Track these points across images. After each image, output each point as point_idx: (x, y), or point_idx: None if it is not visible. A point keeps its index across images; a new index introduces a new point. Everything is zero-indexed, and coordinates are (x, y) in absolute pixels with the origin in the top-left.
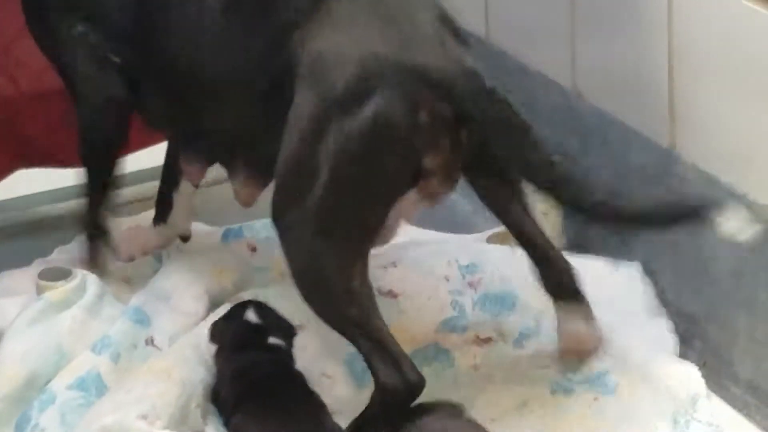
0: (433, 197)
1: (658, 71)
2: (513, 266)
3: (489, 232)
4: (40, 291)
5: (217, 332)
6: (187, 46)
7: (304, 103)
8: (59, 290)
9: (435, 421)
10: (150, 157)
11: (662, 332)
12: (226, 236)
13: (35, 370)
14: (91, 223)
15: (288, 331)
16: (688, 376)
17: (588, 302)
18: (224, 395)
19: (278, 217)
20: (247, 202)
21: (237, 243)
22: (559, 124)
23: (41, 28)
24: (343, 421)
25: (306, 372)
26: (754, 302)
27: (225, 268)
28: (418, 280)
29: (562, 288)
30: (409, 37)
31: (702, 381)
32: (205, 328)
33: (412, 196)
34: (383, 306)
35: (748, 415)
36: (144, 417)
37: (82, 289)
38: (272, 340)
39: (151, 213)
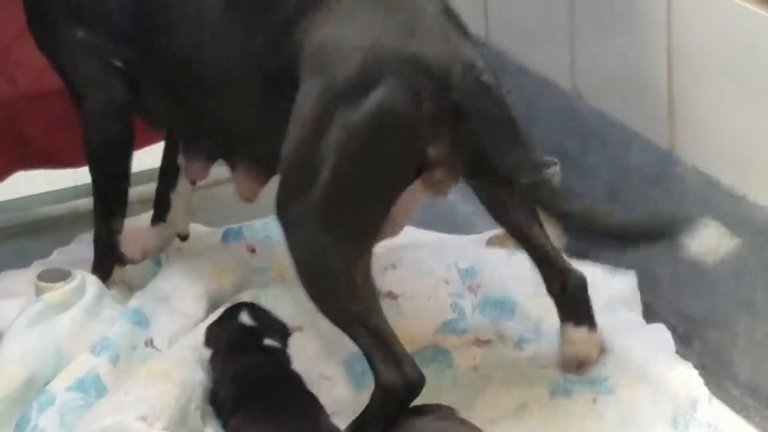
0: (438, 188)
1: (657, 72)
2: (512, 271)
3: (489, 233)
4: (39, 292)
5: (212, 336)
6: (187, 46)
7: (308, 95)
8: (58, 292)
9: (435, 421)
10: (150, 157)
11: (661, 334)
12: (225, 237)
13: (34, 371)
14: (103, 237)
15: (282, 332)
16: (688, 377)
17: (591, 308)
18: (222, 397)
19: (282, 210)
20: (249, 198)
21: (236, 244)
22: (558, 125)
23: (42, 29)
24: (342, 423)
25: (305, 373)
26: (753, 303)
27: (224, 269)
28: (417, 281)
29: (566, 291)
30: (413, 27)
31: (701, 382)
32: (204, 330)
33: (416, 187)
34: (383, 307)
35: (748, 417)
36: (143, 418)
37: (81, 290)
38: (267, 341)
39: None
